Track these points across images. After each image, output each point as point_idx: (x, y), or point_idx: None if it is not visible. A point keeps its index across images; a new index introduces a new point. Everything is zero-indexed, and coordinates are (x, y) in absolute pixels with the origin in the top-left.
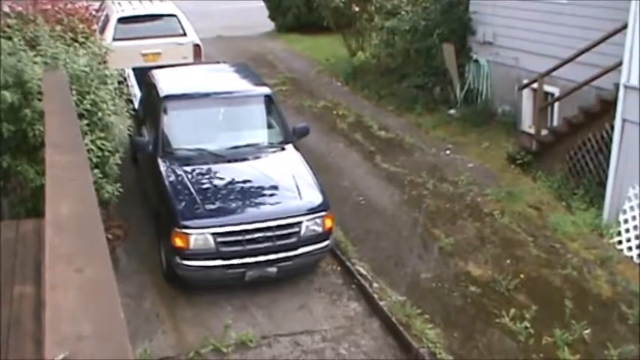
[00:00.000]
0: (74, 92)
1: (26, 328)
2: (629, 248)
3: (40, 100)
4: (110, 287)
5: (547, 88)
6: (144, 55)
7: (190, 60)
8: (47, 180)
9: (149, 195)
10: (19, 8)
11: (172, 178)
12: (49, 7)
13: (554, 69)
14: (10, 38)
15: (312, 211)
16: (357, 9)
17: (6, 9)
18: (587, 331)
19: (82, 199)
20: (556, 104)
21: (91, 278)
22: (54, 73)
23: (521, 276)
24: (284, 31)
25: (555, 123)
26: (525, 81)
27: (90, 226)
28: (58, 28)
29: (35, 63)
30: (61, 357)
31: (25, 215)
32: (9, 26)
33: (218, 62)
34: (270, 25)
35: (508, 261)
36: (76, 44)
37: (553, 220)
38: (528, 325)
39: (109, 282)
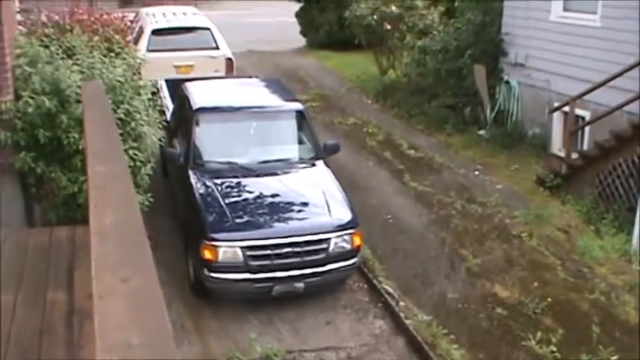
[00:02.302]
0: (109, 102)
1: (59, 334)
2: None
3: (75, 107)
4: (156, 297)
5: (578, 111)
6: (177, 67)
7: (222, 73)
8: (90, 189)
9: (178, 206)
10: (57, 18)
11: (202, 190)
12: (85, 17)
13: (586, 92)
14: (47, 47)
15: (341, 228)
16: (388, 27)
17: (43, 18)
18: (614, 358)
19: (126, 209)
20: (587, 128)
21: (137, 288)
22: (92, 83)
23: (549, 299)
24: (315, 47)
25: (586, 147)
26: (556, 104)
27: (134, 236)
28: (96, 38)
29: (72, 72)
30: None
31: (56, 222)
32: (46, 35)
33: (250, 76)
34: (301, 41)
35: (535, 284)
36: (112, 54)
37: (581, 244)
38: (555, 349)
39: (155, 291)
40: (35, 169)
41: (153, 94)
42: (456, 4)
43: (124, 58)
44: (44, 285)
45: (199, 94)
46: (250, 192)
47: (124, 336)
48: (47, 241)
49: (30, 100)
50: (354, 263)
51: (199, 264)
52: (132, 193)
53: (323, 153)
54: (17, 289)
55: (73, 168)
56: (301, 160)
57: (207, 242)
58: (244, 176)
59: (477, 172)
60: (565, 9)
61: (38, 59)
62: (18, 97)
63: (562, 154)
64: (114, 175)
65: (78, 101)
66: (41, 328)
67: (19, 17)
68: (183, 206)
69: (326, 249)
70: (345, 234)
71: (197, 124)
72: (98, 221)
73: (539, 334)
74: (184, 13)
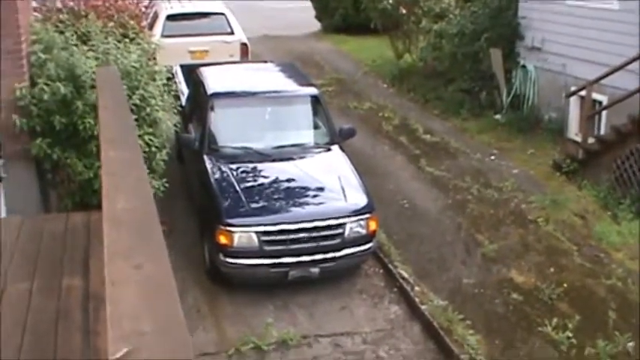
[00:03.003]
0: (124, 87)
1: (74, 320)
2: None
3: (91, 93)
4: (169, 283)
5: (595, 95)
6: (191, 52)
7: (237, 58)
8: (103, 176)
9: (193, 191)
10: (71, 4)
11: (218, 175)
12: (99, 3)
13: (603, 76)
14: (62, 33)
15: (357, 212)
16: (404, 11)
17: (58, 4)
18: (631, 344)
19: (138, 195)
20: (604, 112)
21: (149, 274)
22: (107, 69)
23: (565, 285)
24: (330, 31)
25: (603, 131)
26: (573, 88)
27: (147, 222)
28: (110, 24)
29: (87, 57)
30: (125, 351)
31: (72, 208)
32: (61, 21)
33: (265, 61)
34: (316, 25)
35: (551, 269)
36: (127, 40)
37: (598, 229)
38: (571, 334)
39: (168, 278)
40: (51, 155)
41: (168, 79)
42: None
43: (139, 44)
44: (60, 271)
45: (214, 80)
46: (265, 177)
47: (136, 323)
48: (63, 227)
49: (45, 87)
50: (369, 248)
51: (215, 249)
52: (145, 179)
53: (338, 138)
54: (33, 275)
55: (89, 154)
56: (316, 145)
57: (223, 227)
58: (259, 161)
59: (492, 157)
60: None
61: (53, 45)
62: (33, 84)
63: (579, 138)
64: (127, 161)
65: (93, 87)
66: (57, 315)
67: (34, 4)
68: (198, 191)
69: (341, 234)
70: (361, 219)
71: (212, 109)
72: (111, 207)
73: (555, 319)
74: None
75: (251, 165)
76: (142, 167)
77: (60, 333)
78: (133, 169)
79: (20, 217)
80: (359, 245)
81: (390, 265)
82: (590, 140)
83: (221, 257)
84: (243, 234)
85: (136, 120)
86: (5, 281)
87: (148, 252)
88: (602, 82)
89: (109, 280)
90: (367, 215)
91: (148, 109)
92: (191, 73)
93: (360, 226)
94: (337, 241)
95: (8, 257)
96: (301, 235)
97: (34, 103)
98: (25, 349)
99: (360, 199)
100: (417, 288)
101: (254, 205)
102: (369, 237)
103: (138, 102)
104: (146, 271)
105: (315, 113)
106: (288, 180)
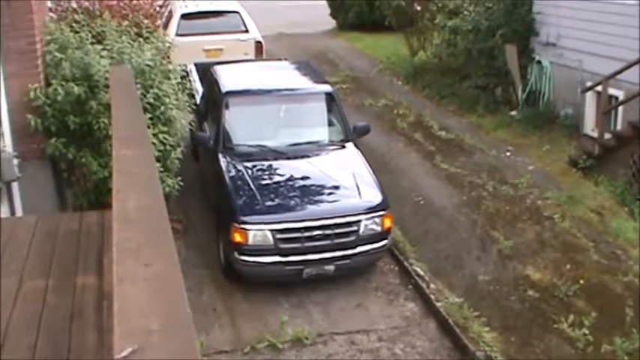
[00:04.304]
0: (138, 86)
1: (89, 319)
2: None
3: (105, 92)
4: (177, 282)
5: (611, 91)
6: (206, 50)
7: (252, 57)
8: (114, 174)
9: (208, 189)
10: (87, 4)
11: (233, 173)
12: (114, 2)
13: (619, 72)
14: (77, 33)
15: (372, 210)
16: (418, 8)
17: (74, 5)
18: None
19: (149, 194)
20: (620, 108)
21: (158, 273)
22: (120, 67)
23: (581, 282)
24: (345, 29)
25: (619, 127)
26: (589, 83)
27: (156, 221)
28: (125, 23)
29: (102, 57)
30: (130, 350)
31: (87, 207)
32: (76, 21)
33: (280, 59)
34: (331, 23)
35: (568, 266)
36: (141, 39)
37: (615, 225)
38: (587, 332)
39: (176, 277)
40: (66, 154)
41: (182, 78)
42: None
43: (153, 43)
44: (74, 270)
45: (229, 78)
46: (280, 175)
47: (144, 321)
48: (78, 226)
49: (59, 88)
50: (384, 245)
51: (230, 247)
52: (156, 178)
53: (353, 135)
54: (48, 273)
55: (104, 153)
56: (331, 143)
57: (238, 225)
58: (274, 159)
59: (508, 153)
60: None
61: (68, 45)
62: (48, 84)
63: (595, 134)
64: (138, 160)
65: (107, 86)
66: (71, 313)
67: (49, 4)
68: (213, 189)
69: (356, 231)
70: (376, 216)
71: (227, 107)
72: (121, 206)
73: (571, 316)
74: None
75: (266, 163)
76: (154, 165)
77: (74, 331)
78: (144, 168)
79: (36, 216)
80: (374, 242)
81: (405, 263)
82: (607, 136)
83: (236, 255)
84: (257, 232)
85: (151, 119)
86: (21, 279)
87: (158, 251)
88: (619, 77)
89: (117, 277)
90: (382, 212)
91: (163, 108)
92: (206, 71)
93: (375, 223)
94: (352, 238)
95: (24, 255)
96: (316, 232)
97: (48, 104)
98: (40, 347)
99: (374, 197)
100: (432, 285)
101: (269, 203)
102: (384, 234)
103: (152, 100)
104: (155, 269)
105: (330, 111)
106: (303, 178)
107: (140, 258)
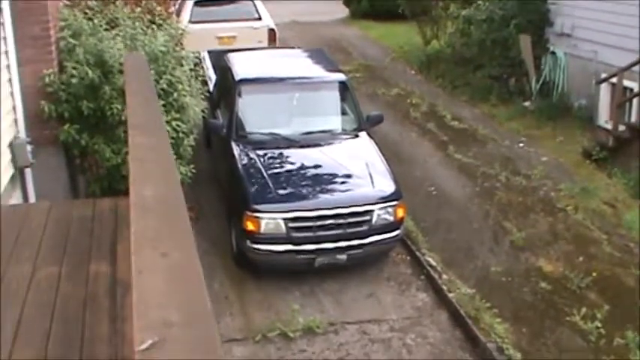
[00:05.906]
0: (152, 72)
1: (102, 306)
2: None
3: (118, 77)
4: (196, 272)
5: (626, 82)
6: (219, 38)
7: (265, 44)
8: (130, 162)
9: (221, 177)
10: None
11: (245, 161)
12: None
13: (635, 63)
14: (90, 19)
15: (384, 199)
16: None
17: None
18: None
19: (166, 182)
20: (635, 99)
21: (176, 263)
22: (134, 54)
23: (594, 274)
24: (358, 17)
25: (634, 119)
26: (604, 75)
27: (174, 209)
28: (138, 10)
29: (115, 42)
30: (150, 342)
31: (100, 193)
32: (90, 8)
33: (293, 47)
34: (344, 11)
35: (580, 258)
36: (154, 26)
37: (628, 218)
38: (599, 325)
39: (195, 266)
40: (79, 140)
41: (195, 65)
42: None
43: (166, 29)
44: (87, 257)
45: (242, 65)
46: (293, 163)
47: (163, 313)
48: (91, 213)
49: (73, 72)
50: (397, 235)
51: (242, 235)
52: (172, 166)
53: (366, 124)
54: (61, 260)
55: (117, 139)
56: (344, 132)
57: (250, 213)
58: (287, 147)
59: (521, 144)
60: None
61: (82, 31)
62: (62, 69)
63: (609, 126)
64: (154, 148)
65: (120, 72)
66: (85, 301)
67: None
68: (226, 177)
69: (369, 221)
70: (388, 206)
71: (240, 95)
72: (138, 194)
73: (583, 309)
74: None
75: (278, 151)
76: (170, 154)
77: (87, 319)
78: (161, 156)
79: (49, 203)
80: (386, 232)
81: (417, 253)
82: (621, 128)
83: (248, 243)
84: (270, 220)
85: (164, 105)
86: (34, 266)
87: (176, 240)
88: (634, 68)
89: (135, 268)
90: (394, 202)
91: (175, 95)
92: (219, 59)
93: (388, 213)
94: (364, 228)
95: (37, 242)
96: (328, 221)
97: (62, 89)
98: (54, 334)
99: (387, 186)
100: (444, 276)
101: (281, 192)
102: (396, 224)
103: (165, 87)
104: (173, 259)
105: (343, 99)
106: (316, 166)
107: (158, 248)
